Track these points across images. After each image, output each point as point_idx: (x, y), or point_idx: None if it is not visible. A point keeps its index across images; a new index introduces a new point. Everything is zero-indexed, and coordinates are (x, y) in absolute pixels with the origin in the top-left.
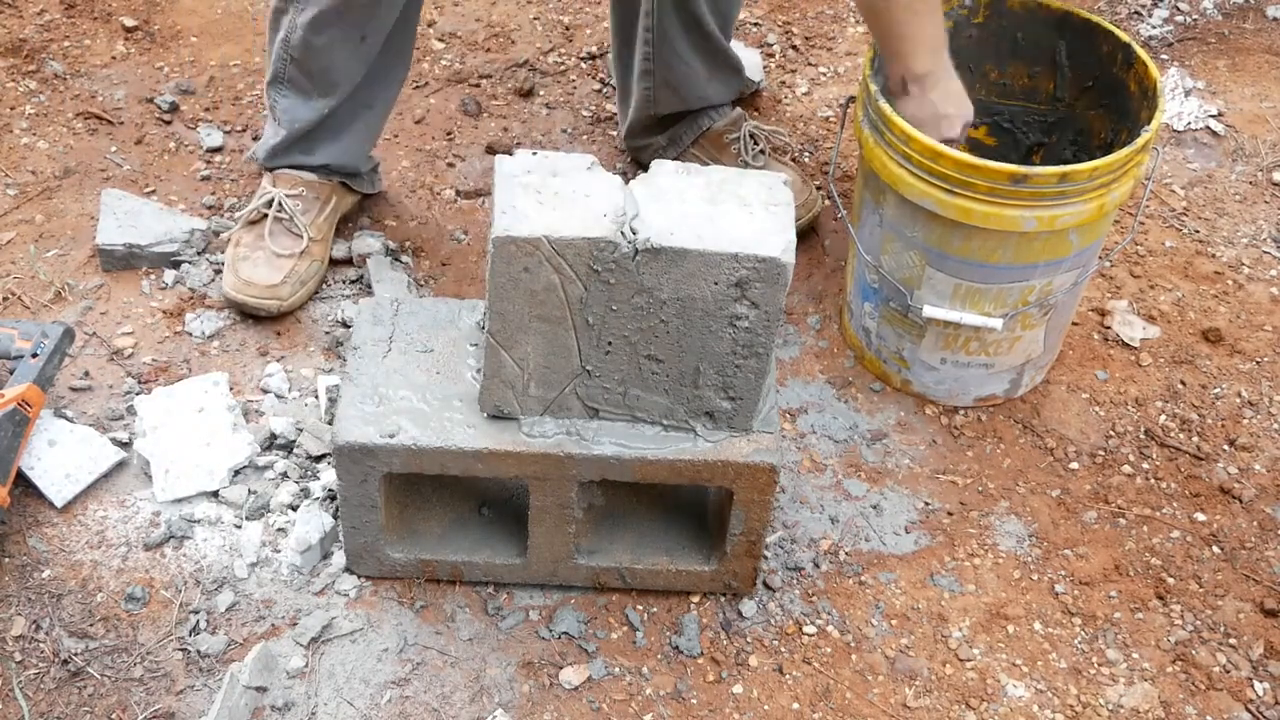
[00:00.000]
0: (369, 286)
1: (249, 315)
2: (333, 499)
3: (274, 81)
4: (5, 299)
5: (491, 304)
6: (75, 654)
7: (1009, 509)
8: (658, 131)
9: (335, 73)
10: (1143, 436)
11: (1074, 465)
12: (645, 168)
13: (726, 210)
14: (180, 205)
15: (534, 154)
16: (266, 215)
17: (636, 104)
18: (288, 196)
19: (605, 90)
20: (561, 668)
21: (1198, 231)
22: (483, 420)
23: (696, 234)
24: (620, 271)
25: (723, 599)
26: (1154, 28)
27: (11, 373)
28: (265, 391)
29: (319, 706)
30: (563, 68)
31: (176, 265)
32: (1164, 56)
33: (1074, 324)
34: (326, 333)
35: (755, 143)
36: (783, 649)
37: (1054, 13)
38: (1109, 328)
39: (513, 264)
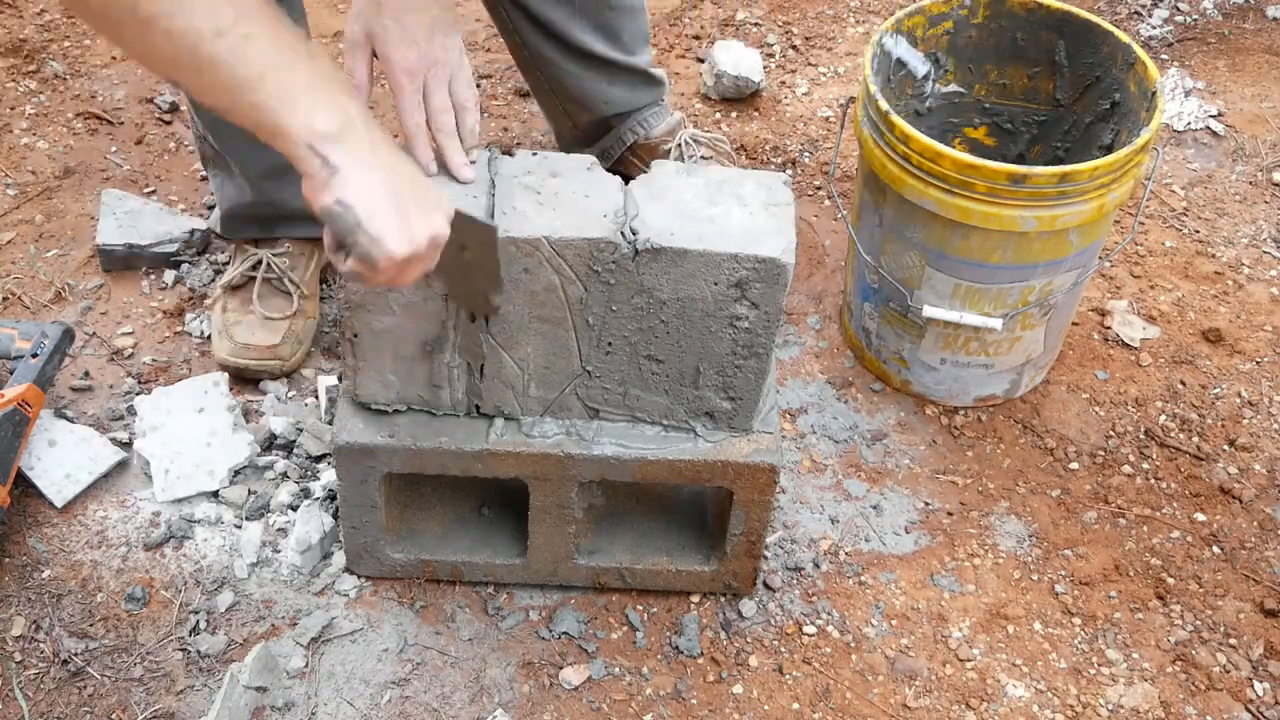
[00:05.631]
0: None
1: (248, 380)
2: (333, 499)
3: (203, 163)
4: (5, 299)
5: None
6: (75, 654)
7: (1009, 509)
8: (586, 145)
9: (229, 149)
10: (1143, 436)
11: (1074, 465)
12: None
13: (726, 210)
14: (180, 205)
15: (534, 154)
16: (253, 278)
17: (554, 116)
18: (274, 256)
19: None
20: (561, 668)
21: (1198, 231)
22: (483, 420)
23: (696, 234)
24: (620, 272)
25: (723, 599)
26: (1154, 28)
27: (11, 373)
28: (265, 392)
29: (319, 706)
30: None
31: (176, 265)
32: (1164, 56)
33: (1074, 324)
34: (326, 333)
35: (698, 147)
36: (783, 649)
37: (1054, 13)
38: (1109, 328)
39: (513, 265)
